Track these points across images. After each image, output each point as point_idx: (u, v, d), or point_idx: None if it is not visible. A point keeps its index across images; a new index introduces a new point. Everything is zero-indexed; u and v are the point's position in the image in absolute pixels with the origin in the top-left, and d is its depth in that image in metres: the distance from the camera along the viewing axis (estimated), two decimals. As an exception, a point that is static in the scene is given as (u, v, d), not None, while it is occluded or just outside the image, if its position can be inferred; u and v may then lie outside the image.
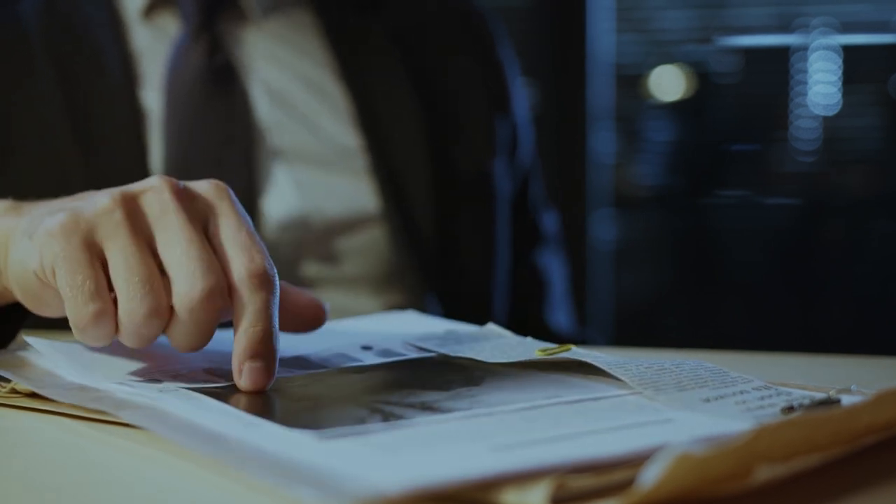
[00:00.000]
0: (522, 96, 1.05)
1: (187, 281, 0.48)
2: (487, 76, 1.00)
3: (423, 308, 0.87)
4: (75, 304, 0.49)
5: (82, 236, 0.49)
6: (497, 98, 1.00)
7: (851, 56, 2.35)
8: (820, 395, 0.49)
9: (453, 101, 0.96)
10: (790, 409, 0.46)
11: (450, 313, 0.89)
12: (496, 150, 0.97)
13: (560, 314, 1.05)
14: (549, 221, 1.06)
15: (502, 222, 0.96)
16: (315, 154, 0.87)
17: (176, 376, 0.54)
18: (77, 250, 0.49)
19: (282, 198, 0.85)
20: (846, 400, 0.48)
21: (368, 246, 0.88)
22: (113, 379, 0.54)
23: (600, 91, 2.29)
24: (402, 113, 0.91)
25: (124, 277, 0.48)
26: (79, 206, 0.51)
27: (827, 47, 2.34)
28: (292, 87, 0.89)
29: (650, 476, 0.35)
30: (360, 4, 0.95)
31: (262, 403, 0.50)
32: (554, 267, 1.05)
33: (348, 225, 0.87)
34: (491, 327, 0.66)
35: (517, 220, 1.00)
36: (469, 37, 1.01)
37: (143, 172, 0.82)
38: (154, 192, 0.51)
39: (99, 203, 0.50)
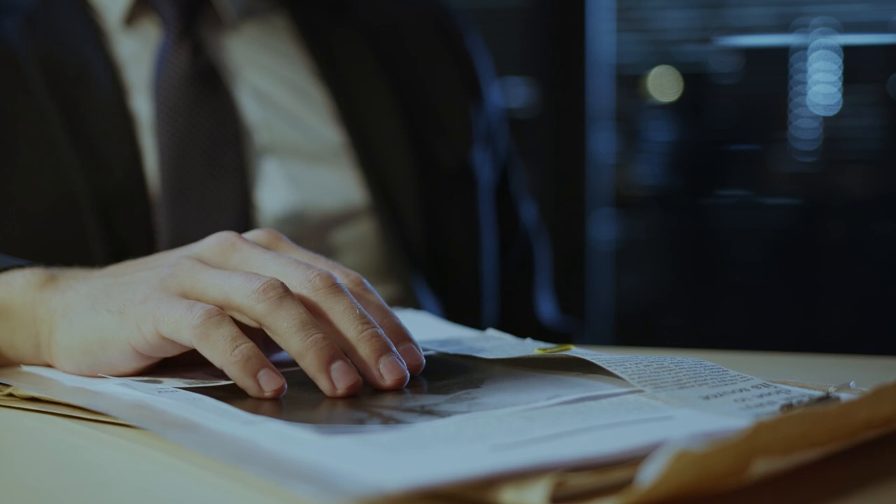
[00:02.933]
0: (494, 86, 1.06)
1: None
2: (458, 67, 1.02)
3: (413, 297, 0.88)
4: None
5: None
6: (470, 87, 1.01)
7: (851, 56, 2.35)
8: (819, 393, 0.49)
9: (428, 92, 0.98)
10: (789, 406, 0.46)
11: (440, 301, 0.90)
12: (473, 138, 0.98)
13: (544, 301, 1.06)
14: (529, 212, 1.08)
15: (485, 209, 0.98)
16: (305, 149, 0.89)
17: (176, 374, 0.55)
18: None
19: (276, 192, 0.86)
20: (845, 398, 0.48)
21: (361, 239, 0.89)
22: (113, 380, 0.54)
23: (600, 91, 2.29)
24: (380, 108, 0.93)
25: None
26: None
27: (827, 47, 2.33)
28: (275, 88, 0.90)
29: (649, 474, 0.35)
30: (331, 5, 0.96)
31: (262, 403, 0.50)
32: (536, 255, 1.07)
33: (342, 218, 0.88)
34: (491, 332, 0.67)
35: (499, 210, 1.02)
36: (437, 31, 1.03)
37: (139, 176, 0.83)
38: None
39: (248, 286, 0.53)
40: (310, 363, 0.51)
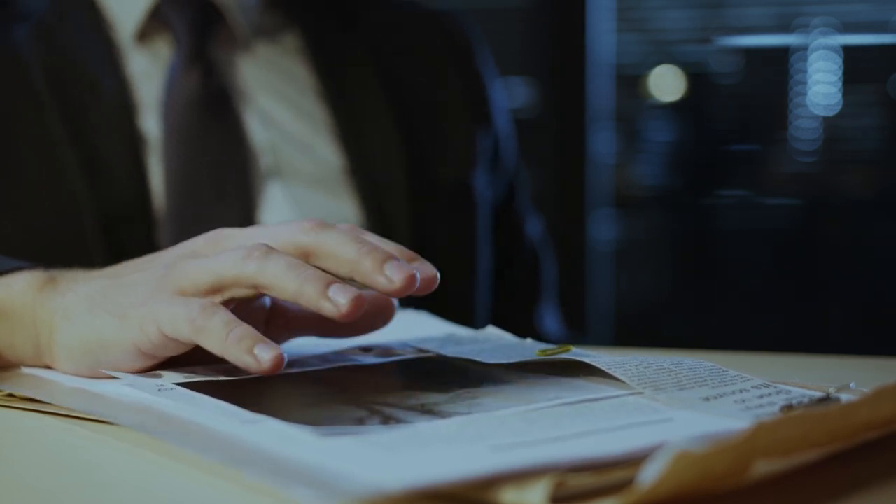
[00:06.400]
0: (503, 102, 1.05)
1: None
2: (466, 86, 1.00)
3: None
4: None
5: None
6: (476, 107, 1.00)
7: (851, 56, 2.35)
8: (819, 394, 0.49)
9: (433, 113, 0.97)
10: (789, 407, 0.46)
11: None
12: (477, 159, 0.97)
13: (549, 318, 1.05)
14: (535, 227, 1.07)
15: (483, 232, 0.97)
16: (309, 173, 0.89)
17: (177, 369, 0.55)
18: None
19: (280, 216, 0.86)
20: (845, 398, 0.48)
21: None
22: (113, 377, 0.54)
23: (600, 91, 2.29)
24: (382, 130, 0.92)
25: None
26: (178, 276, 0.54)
27: (827, 47, 2.34)
28: (281, 111, 0.90)
29: (649, 474, 0.35)
30: (342, 21, 0.96)
31: (261, 401, 0.50)
32: (542, 271, 1.06)
33: None
34: (490, 330, 0.66)
35: (504, 228, 1.01)
36: (446, 47, 1.01)
37: (144, 194, 0.83)
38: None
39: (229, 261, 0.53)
40: (309, 295, 0.51)
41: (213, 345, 0.51)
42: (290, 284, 0.51)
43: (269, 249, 0.52)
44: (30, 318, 0.57)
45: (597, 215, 2.32)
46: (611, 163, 2.37)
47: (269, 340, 0.51)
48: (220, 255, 0.53)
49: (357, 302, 0.50)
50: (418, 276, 0.52)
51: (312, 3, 0.96)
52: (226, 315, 0.51)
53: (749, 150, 2.50)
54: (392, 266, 0.52)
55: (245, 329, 0.51)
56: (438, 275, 0.54)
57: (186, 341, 0.52)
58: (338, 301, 0.50)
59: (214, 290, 0.53)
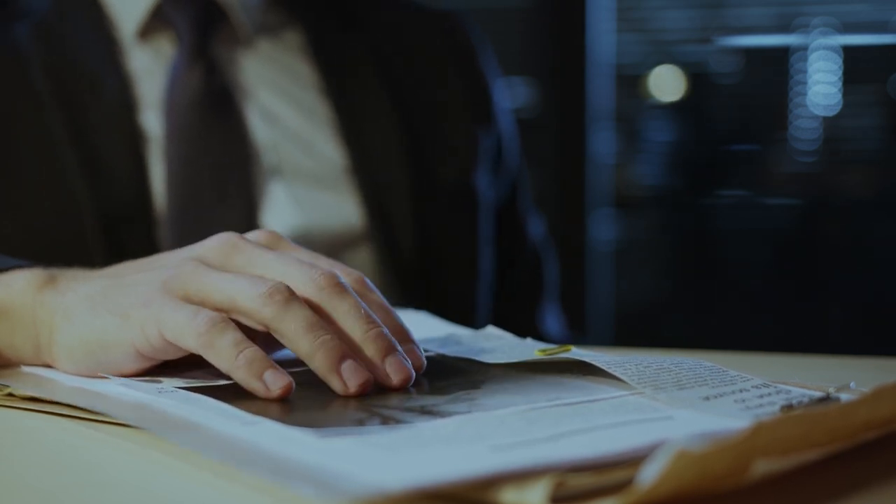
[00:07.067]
0: (505, 102, 1.05)
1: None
2: (467, 86, 1.00)
3: None
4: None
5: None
6: (478, 107, 1.00)
7: (851, 56, 2.35)
8: (818, 394, 0.49)
9: (435, 114, 0.97)
10: (789, 407, 0.46)
11: None
12: (479, 160, 0.97)
13: (550, 319, 1.05)
14: (537, 227, 1.07)
15: (485, 232, 0.97)
16: (311, 172, 0.89)
17: (176, 374, 0.55)
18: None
19: (282, 215, 0.86)
20: (845, 398, 0.48)
21: (361, 262, 0.88)
22: (113, 380, 0.54)
23: (600, 91, 2.29)
24: (383, 130, 0.92)
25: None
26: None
27: (827, 47, 2.34)
28: (283, 107, 0.90)
29: (649, 474, 0.35)
30: (344, 20, 0.96)
31: (262, 402, 0.50)
32: (544, 272, 1.06)
33: (349, 241, 0.88)
34: (491, 329, 0.66)
35: (506, 228, 1.01)
36: (447, 47, 1.01)
37: (144, 192, 0.83)
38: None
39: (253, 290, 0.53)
40: (320, 364, 0.51)
41: (220, 363, 0.51)
42: (303, 345, 0.51)
43: (291, 296, 0.52)
44: (30, 317, 0.57)
45: (597, 215, 2.32)
46: (611, 163, 2.37)
47: (278, 366, 0.51)
48: (239, 280, 0.53)
49: (365, 387, 0.51)
50: (413, 374, 0.53)
51: (314, 2, 0.96)
52: (235, 334, 0.51)
53: (749, 150, 2.50)
54: (393, 362, 0.52)
55: (254, 352, 0.51)
56: (425, 364, 0.55)
57: (190, 350, 0.52)
58: (348, 380, 0.51)
59: (223, 309, 0.53)
